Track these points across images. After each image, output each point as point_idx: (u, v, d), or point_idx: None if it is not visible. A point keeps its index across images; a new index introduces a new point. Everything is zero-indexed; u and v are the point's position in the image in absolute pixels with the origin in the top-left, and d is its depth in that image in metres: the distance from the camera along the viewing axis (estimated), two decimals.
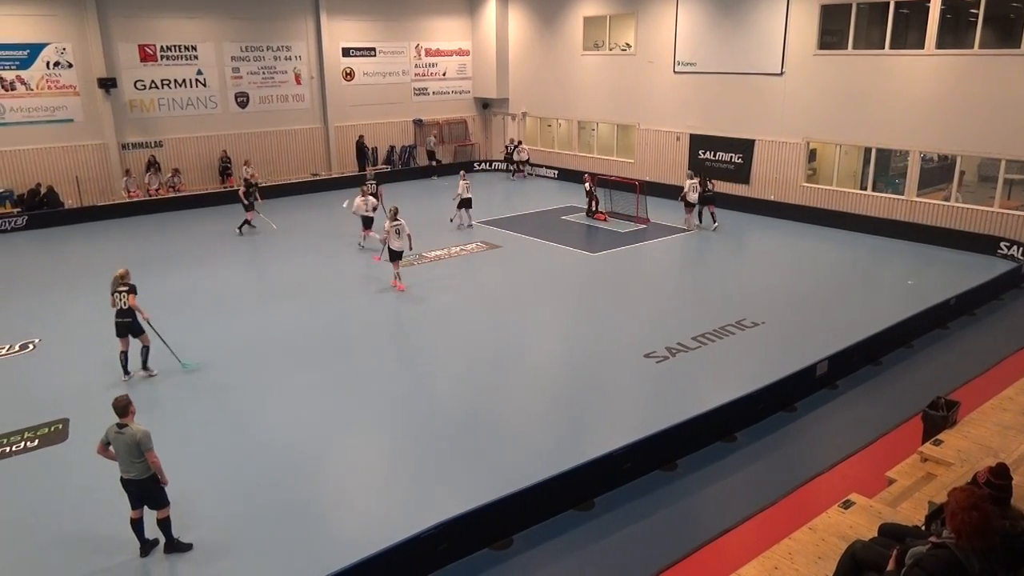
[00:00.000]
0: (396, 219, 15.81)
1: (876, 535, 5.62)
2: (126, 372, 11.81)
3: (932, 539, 4.68)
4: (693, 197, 21.12)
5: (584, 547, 7.80)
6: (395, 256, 15.95)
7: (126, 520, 7.63)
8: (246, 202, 21.25)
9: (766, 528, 7.73)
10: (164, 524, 7.66)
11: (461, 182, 21.31)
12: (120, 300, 11.51)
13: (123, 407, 7.33)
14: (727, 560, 6.89)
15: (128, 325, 11.60)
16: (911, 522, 5.96)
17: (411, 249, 16.23)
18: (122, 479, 7.46)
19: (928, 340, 13.26)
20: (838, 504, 6.55)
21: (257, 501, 8.65)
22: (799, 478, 8.89)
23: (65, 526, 8.23)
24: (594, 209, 22.93)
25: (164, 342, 12.05)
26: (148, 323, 11.72)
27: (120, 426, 7.31)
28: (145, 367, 11.96)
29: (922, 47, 19.62)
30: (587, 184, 22.93)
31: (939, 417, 8.87)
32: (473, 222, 21.61)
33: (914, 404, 10.16)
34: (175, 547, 7.73)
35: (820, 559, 5.80)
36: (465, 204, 21.35)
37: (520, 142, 31.26)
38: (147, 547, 7.72)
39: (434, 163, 31.26)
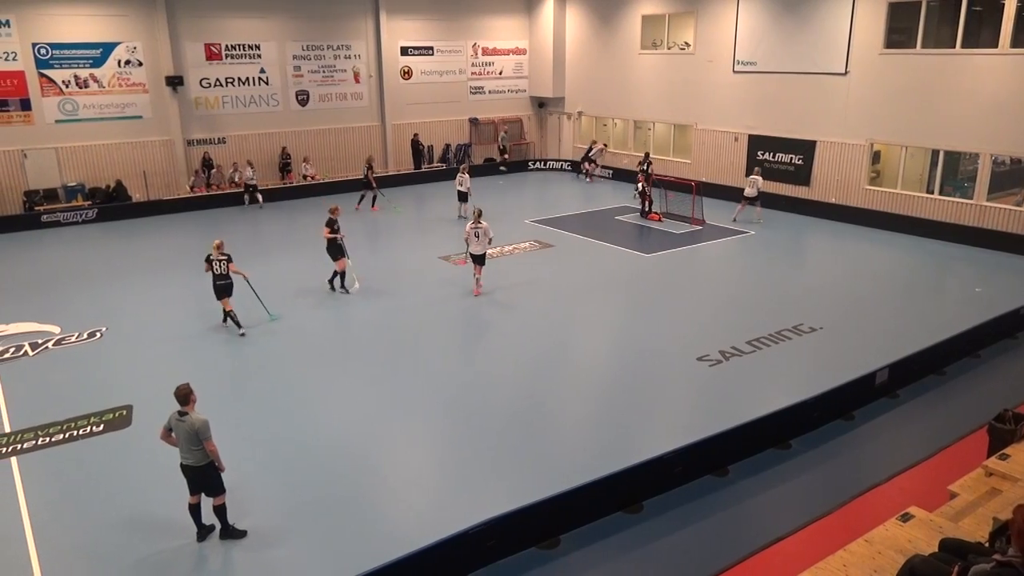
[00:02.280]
0: (479, 222, 15.40)
1: (936, 550, 5.44)
2: (239, 326, 13.67)
3: (996, 557, 4.51)
4: (750, 192, 21.55)
5: (631, 550, 7.75)
6: (475, 260, 15.68)
7: (184, 505, 7.87)
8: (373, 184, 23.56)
9: (820, 539, 7.55)
10: (220, 511, 7.88)
11: (460, 176, 22.20)
12: (220, 267, 13.39)
13: (184, 395, 7.55)
14: (778, 570, 6.77)
15: (225, 287, 13.54)
16: (974, 538, 5.76)
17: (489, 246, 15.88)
18: (181, 465, 7.69)
19: (996, 350, 12.77)
20: (896, 517, 6.37)
21: (310, 492, 8.81)
22: (855, 489, 8.66)
23: (125, 509, 8.52)
24: (648, 209, 22.73)
25: (256, 294, 13.95)
26: (247, 281, 13.69)
27: (181, 414, 7.53)
28: (235, 323, 13.73)
29: (996, 46, 18.89)
30: (640, 184, 22.76)
31: (1006, 431, 8.53)
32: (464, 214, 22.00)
33: (979, 416, 9.80)
34: (230, 533, 7.94)
35: (876, 573, 5.65)
36: (461, 198, 22.16)
37: (604, 145, 30.40)
38: (203, 532, 7.95)
39: (505, 157, 31.51)
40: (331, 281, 15.85)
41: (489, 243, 15.71)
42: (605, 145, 30.33)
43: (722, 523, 8.20)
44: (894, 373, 11.06)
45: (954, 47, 19.75)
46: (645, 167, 24.45)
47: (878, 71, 21.41)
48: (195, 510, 7.90)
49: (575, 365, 12.64)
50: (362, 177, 23.94)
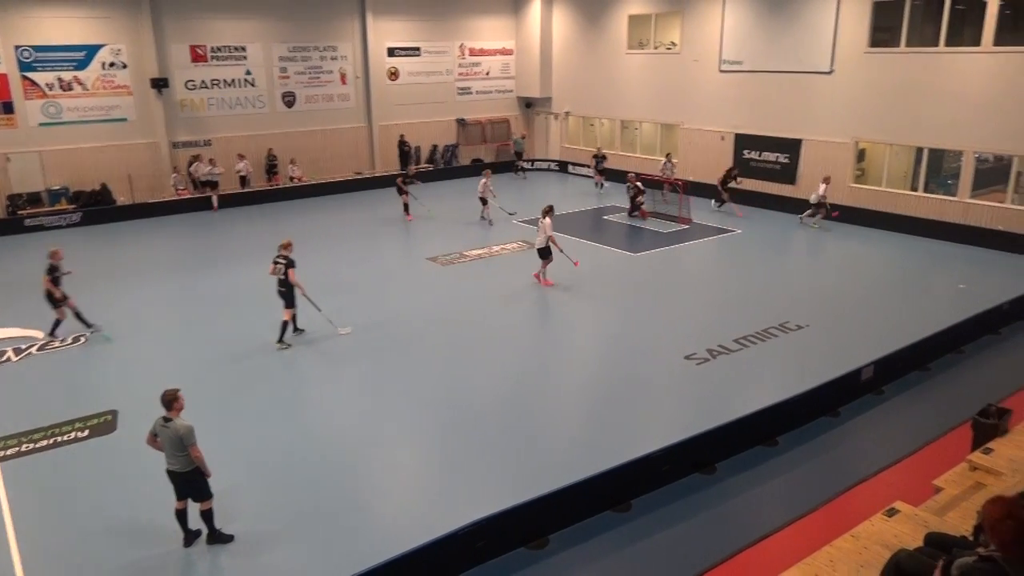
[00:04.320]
0: (544, 217, 15.96)
1: (922, 545, 5.47)
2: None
3: (980, 551, 4.54)
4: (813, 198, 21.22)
5: (620, 549, 7.76)
6: (540, 254, 16.11)
7: (171, 510, 7.82)
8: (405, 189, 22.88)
9: (807, 534, 7.58)
10: (206, 516, 7.83)
11: (482, 180, 21.81)
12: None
13: (169, 400, 7.50)
14: (766, 566, 6.79)
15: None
16: (958, 532, 5.79)
17: (542, 246, 16.02)
18: (167, 470, 7.64)
19: (979, 346, 12.88)
20: (882, 512, 6.40)
21: (299, 495, 8.78)
22: (842, 484, 8.71)
23: (111, 515, 8.46)
24: (639, 206, 22.67)
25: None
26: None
27: (166, 419, 7.47)
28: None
29: (979, 44, 19.05)
30: (632, 184, 22.66)
31: (990, 425, 8.60)
32: (488, 216, 22.11)
33: (964, 411, 9.85)
34: (217, 538, 7.90)
35: (862, 568, 5.68)
36: (484, 201, 21.96)
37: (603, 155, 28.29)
38: (190, 537, 7.90)
39: (522, 162, 31.06)
40: (284, 332, 13.17)
41: (548, 240, 15.86)
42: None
43: (710, 520, 8.22)
44: (879, 369, 11.13)
45: (938, 46, 19.91)
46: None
47: (863, 70, 21.55)
48: (182, 515, 7.85)
49: (563, 365, 12.65)
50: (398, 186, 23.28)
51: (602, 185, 27.24)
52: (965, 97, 19.48)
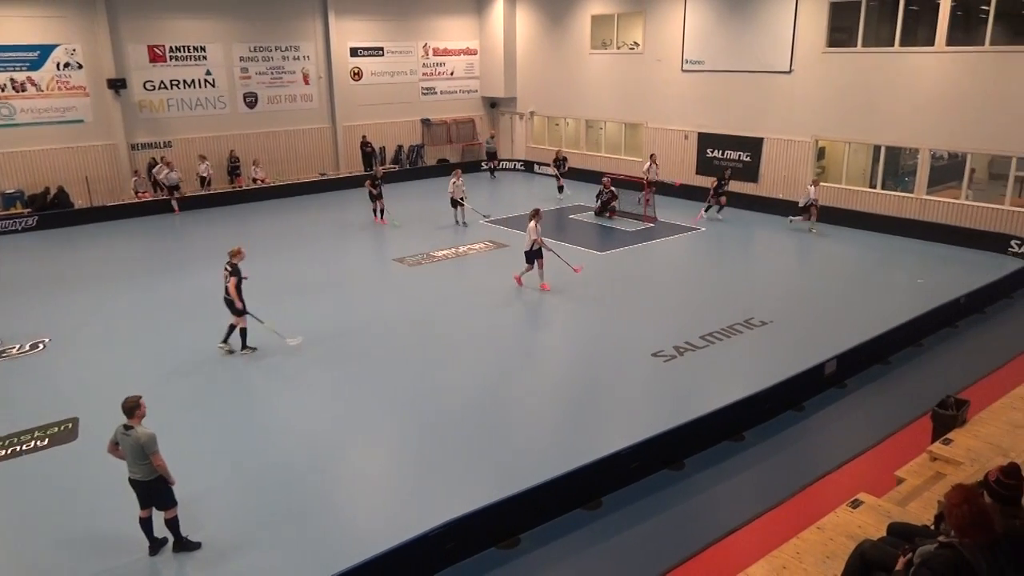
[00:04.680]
0: (530, 220, 15.68)
1: (885, 535, 5.59)
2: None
3: (941, 539, 4.66)
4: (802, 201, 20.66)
5: (591, 546, 7.80)
6: (526, 257, 15.81)
7: (135, 519, 7.67)
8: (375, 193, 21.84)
9: (774, 527, 7.69)
10: (172, 524, 7.70)
11: (452, 181, 21.29)
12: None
13: (131, 408, 7.34)
14: (735, 559, 6.87)
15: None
16: (920, 522, 5.93)
17: (531, 249, 15.68)
18: (129, 479, 7.49)
19: (938, 339, 13.18)
20: (847, 503, 6.53)
21: (267, 501, 8.67)
22: (807, 477, 8.85)
23: (74, 524, 8.28)
24: (612, 209, 22.69)
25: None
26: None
27: (127, 427, 7.32)
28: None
29: (932, 44, 19.52)
30: (606, 188, 22.59)
31: (949, 416, 8.81)
32: (461, 218, 21.71)
33: (924, 403, 10.09)
34: (184, 546, 7.76)
35: (828, 559, 5.78)
36: (456, 203, 21.47)
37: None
38: (156, 546, 7.76)
39: (494, 163, 31.06)
40: (229, 339, 12.83)
41: (532, 244, 15.58)
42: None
43: (679, 516, 8.30)
44: (842, 363, 11.34)
45: (893, 46, 20.35)
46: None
47: (821, 69, 21.93)
48: (146, 524, 7.70)
49: (530, 364, 12.68)
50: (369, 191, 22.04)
51: (562, 189, 25.63)
52: (920, 96, 19.94)
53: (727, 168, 23.83)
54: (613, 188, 22.69)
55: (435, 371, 12.26)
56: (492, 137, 31.95)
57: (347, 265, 18.29)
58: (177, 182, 24.25)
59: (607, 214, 22.67)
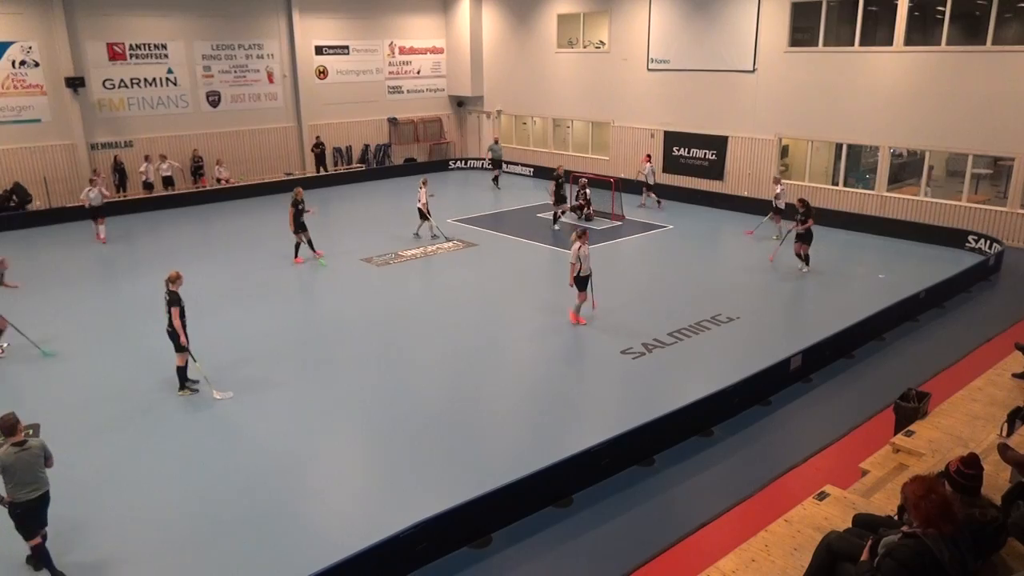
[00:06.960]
0: (575, 241, 13.55)
1: (851, 526, 5.69)
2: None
3: (904, 529, 4.75)
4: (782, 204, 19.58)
5: (563, 543, 7.83)
6: (577, 284, 13.72)
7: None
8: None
9: (743, 521, 7.80)
10: (39, 552, 7.19)
11: (421, 190, 19.62)
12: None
13: (12, 426, 6.87)
14: (705, 553, 6.95)
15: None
16: (884, 512, 6.04)
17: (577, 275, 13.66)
18: (31, 500, 6.89)
19: (899, 333, 13.46)
20: (813, 496, 6.62)
21: (235, 505, 8.56)
22: (775, 471, 8.98)
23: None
24: (586, 214, 22.36)
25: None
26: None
27: (17, 444, 6.83)
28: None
29: (891, 44, 19.92)
30: (581, 191, 22.47)
31: (910, 408, 9.01)
32: (424, 233, 20.14)
33: (886, 396, 10.32)
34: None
35: (796, 551, 5.86)
36: (423, 216, 19.73)
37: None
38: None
39: (499, 172, 28.32)
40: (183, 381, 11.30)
41: (580, 269, 13.54)
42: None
43: (650, 512, 8.37)
44: (807, 358, 11.52)
45: (853, 45, 20.71)
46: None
47: (784, 68, 22.26)
48: (44, 553, 7.15)
49: (500, 363, 12.67)
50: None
51: (562, 215, 21.83)
52: (879, 94, 20.33)
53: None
54: (587, 191, 22.48)
55: (403, 372, 12.19)
56: (496, 141, 29.30)
57: (314, 265, 18.08)
58: (102, 203, 20.28)
59: (584, 217, 22.29)
